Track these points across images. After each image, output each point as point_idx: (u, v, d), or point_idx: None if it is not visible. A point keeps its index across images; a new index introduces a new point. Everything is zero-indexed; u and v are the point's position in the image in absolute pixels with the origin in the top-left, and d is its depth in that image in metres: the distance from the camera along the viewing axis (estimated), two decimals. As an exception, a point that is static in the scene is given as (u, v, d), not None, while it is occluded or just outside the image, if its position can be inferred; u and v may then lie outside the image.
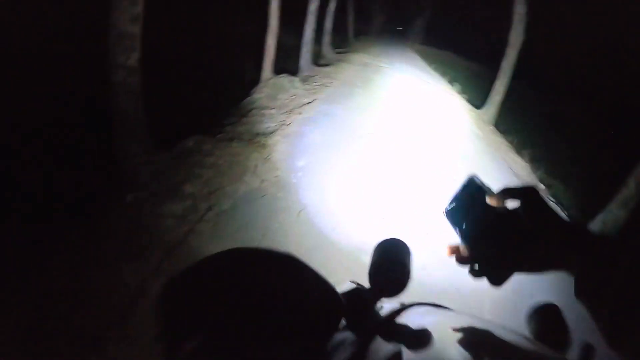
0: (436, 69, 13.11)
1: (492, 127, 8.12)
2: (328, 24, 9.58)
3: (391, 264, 0.74)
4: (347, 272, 2.35)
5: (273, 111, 4.65)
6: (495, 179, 5.01)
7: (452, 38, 17.64)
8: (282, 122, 4.33)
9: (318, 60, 8.58)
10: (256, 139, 3.89)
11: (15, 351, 1.69)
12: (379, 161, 4.07)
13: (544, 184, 5.73)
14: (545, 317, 0.91)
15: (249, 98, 5.06)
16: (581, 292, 0.47)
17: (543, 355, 0.62)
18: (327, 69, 7.84)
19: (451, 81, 11.41)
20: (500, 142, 7.21)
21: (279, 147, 3.82)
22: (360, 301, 0.71)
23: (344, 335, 0.65)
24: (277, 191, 3.14)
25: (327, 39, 9.67)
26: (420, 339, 0.57)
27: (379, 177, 3.73)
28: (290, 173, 3.40)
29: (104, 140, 3.10)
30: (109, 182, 2.88)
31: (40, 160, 2.92)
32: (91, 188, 2.74)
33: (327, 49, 9.69)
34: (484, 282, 0.52)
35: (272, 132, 4.10)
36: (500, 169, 5.65)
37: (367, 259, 0.72)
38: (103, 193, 2.74)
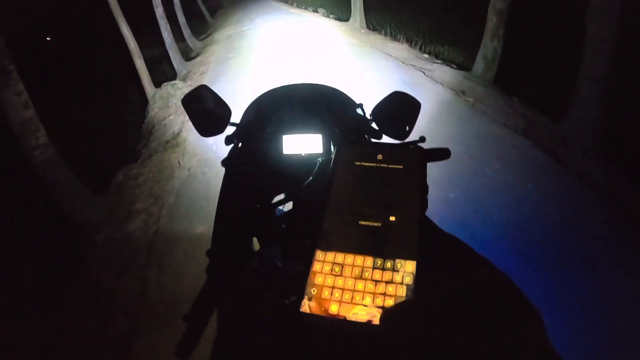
0: (299, 5, 13.59)
1: (364, 30, 8.95)
2: (181, 18, 9.73)
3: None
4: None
5: (171, 117, 5.17)
6: (377, 66, 5.91)
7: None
8: (182, 121, 4.88)
9: (188, 55, 8.87)
10: (169, 144, 4.46)
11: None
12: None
13: (426, 53, 6.69)
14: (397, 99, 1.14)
15: (146, 119, 5.52)
16: None
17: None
18: (198, 59, 8.22)
19: (316, 9, 12.06)
20: (374, 38, 8.06)
21: (189, 139, 4.43)
22: None
23: None
24: (203, 168, 3.82)
25: (187, 32, 9.84)
26: None
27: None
28: (207, 151, 4.06)
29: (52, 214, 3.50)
30: (76, 239, 3.38)
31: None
32: (63, 252, 3.23)
33: (191, 40, 9.90)
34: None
35: (178, 133, 4.67)
36: (379, 57, 6.51)
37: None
38: (77, 247, 3.28)
